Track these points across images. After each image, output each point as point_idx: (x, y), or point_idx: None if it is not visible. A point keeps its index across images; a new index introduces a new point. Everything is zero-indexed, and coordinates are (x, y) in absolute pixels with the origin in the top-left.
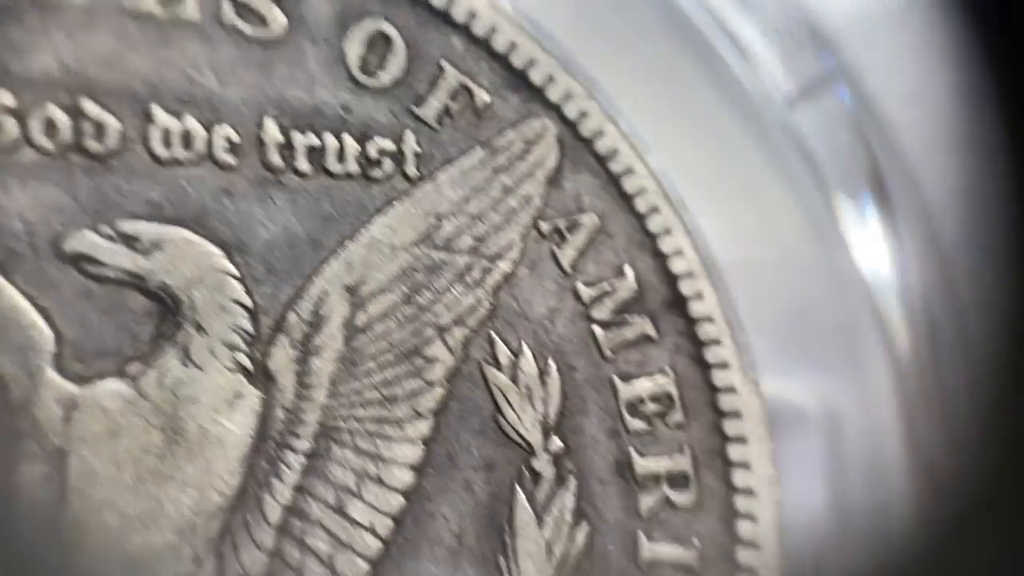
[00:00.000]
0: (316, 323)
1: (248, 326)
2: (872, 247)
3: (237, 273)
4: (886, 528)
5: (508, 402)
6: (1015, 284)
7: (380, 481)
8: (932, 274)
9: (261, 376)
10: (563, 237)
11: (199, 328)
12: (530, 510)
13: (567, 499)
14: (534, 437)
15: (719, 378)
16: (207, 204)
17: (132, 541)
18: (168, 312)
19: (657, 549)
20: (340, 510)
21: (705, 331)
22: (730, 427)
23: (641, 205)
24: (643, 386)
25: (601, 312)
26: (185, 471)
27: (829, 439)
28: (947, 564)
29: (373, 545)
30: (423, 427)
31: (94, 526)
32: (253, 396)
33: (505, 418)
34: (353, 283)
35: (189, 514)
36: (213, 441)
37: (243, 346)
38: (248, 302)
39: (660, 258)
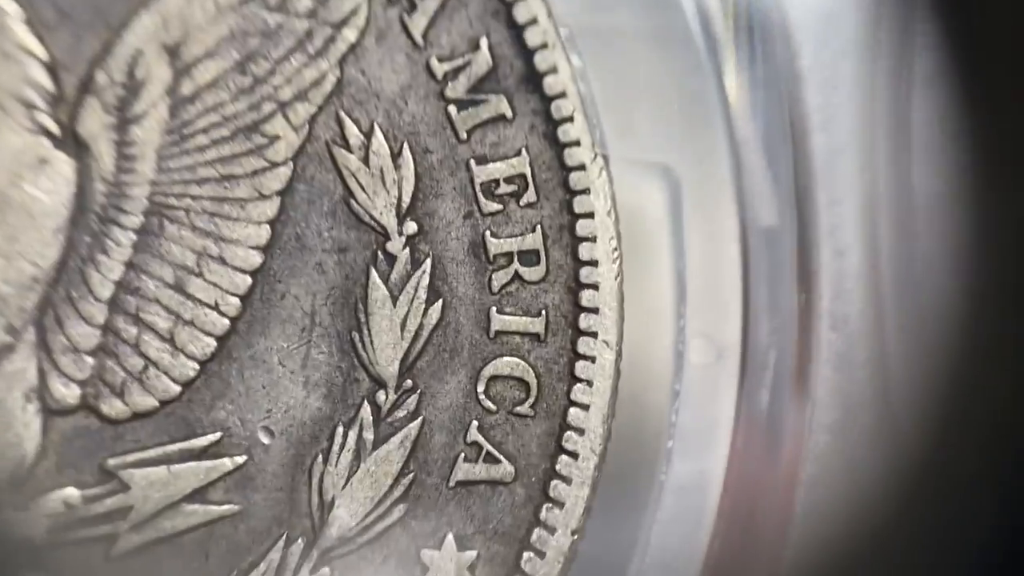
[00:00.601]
0: (132, 87)
1: (45, 81)
2: (722, 20)
3: (19, 12)
4: (718, 281)
5: (360, 185)
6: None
7: (223, 260)
8: (777, 56)
9: (71, 141)
10: (412, 3)
11: None
12: (384, 290)
13: (422, 279)
14: (388, 221)
15: (571, 156)
16: None
17: None
18: None
19: (507, 320)
20: (179, 288)
21: (558, 108)
22: (579, 204)
23: None
24: (498, 168)
25: (456, 90)
26: None
27: (671, 208)
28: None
29: (219, 322)
30: (268, 208)
31: None
32: (63, 163)
33: (357, 201)
34: (173, 43)
35: None
36: (16, 208)
37: (42, 104)
38: (40, 51)
39: (515, 28)
